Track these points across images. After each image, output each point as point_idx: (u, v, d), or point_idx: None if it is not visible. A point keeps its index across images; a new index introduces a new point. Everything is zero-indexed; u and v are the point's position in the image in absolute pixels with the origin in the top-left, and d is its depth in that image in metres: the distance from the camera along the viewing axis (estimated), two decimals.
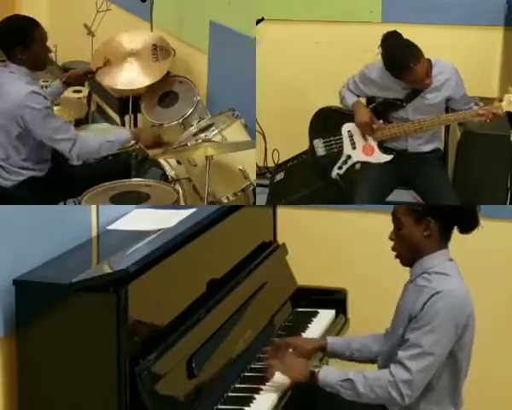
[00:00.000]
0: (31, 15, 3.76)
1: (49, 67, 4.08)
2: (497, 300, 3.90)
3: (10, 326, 2.60)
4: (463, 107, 3.63)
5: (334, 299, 3.66)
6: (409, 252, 2.78)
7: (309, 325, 3.46)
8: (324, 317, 3.56)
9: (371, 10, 4.90)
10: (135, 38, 4.86)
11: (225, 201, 4.07)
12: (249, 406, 2.74)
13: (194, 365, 2.72)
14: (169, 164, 4.30)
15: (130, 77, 4.73)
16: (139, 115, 4.89)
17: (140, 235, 2.95)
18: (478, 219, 2.76)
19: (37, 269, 2.69)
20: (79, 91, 5.35)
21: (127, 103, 4.79)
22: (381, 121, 3.71)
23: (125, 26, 5.24)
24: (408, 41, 3.52)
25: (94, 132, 4.29)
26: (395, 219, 2.79)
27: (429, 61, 3.56)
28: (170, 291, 2.78)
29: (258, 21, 4.56)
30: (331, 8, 4.93)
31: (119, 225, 3.20)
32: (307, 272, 3.76)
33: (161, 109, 4.74)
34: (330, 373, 2.75)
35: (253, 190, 4.17)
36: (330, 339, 3.11)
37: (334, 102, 3.88)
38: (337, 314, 3.61)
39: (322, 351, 3.09)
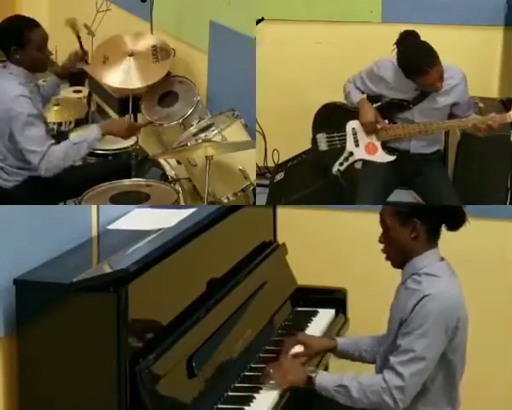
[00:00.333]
0: (31, 16, 3.75)
1: (50, 68, 4.05)
2: (497, 300, 3.90)
3: (11, 326, 2.60)
4: (466, 113, 3.61)
5: (334, 298, 3.66)
6: (398, 254, 2.78)
7: (309, 325, 3.46)
8: (324, 316, 3.56)
9: (371, 10, 4.89)
10: (135, 38, 4.86)
11: (225, 201, 4.07)
12: (249, 405, 2.74)
13: (194, 364, 2.72)
14: (169, 164, 4.31)
15: (128, 76, 4.71)
16: (139, 115, 4.89)
17: (140, 235, 2.94)
18: (465, 214, 2.74)
19: (37, 269, 2.69)
20: (79, 91, 5.37)
21: (127, 103, 4.78)
22: (386, 121, 3.68)
23: (125, 26, 5.24)
24: (426, 44, 3.47)
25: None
26: (382, 222, 2.78)
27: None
28: (170, 291, 2.78)
29: (258, 21, 4.57)
30: (331, 8, 4.93)
31: (120, 224, 3.20)
32: (307, 271, 3.76)
33: (161, 109, 4.73)
34: (326, 378, 2.77)
35: (253, 190, 4.17)
36: (341, 340, 3.12)
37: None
38: (337, 314, 3.61)
39: (332, 351, 3.10)
